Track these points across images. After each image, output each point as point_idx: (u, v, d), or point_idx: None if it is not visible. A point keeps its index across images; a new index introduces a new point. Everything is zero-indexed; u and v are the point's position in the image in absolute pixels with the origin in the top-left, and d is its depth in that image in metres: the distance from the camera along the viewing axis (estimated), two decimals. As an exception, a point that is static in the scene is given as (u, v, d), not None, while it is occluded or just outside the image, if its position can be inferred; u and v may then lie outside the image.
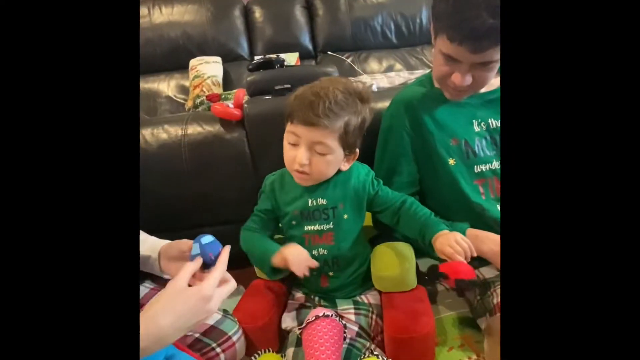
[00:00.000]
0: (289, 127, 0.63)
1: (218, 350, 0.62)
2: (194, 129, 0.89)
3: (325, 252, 0.68)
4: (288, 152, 0.63)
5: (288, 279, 0.76)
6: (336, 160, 0.64)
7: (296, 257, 0.61)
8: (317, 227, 0.67)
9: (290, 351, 0.63)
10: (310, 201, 0.67)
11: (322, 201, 0.67)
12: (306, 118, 0.59)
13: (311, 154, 0.61)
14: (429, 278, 0.62)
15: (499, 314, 0.61)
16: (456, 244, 0.57)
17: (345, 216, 0.67)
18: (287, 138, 0.63)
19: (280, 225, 0.73)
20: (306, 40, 1.54)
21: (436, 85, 0.74)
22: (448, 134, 0.71)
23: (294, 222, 0.68)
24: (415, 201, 0.68)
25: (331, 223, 0.67)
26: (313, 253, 0.68)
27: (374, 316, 0.68)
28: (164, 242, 0.68)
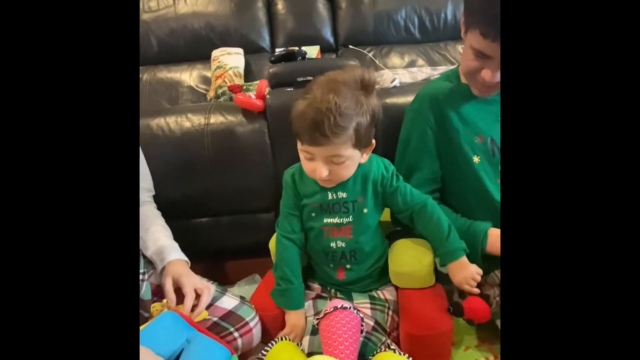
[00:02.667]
0: (300, 146, 0.62)
1: (236, 334, 0.63)
2: (216, 119, 0.90)
3: (343, 244, 0.68)
4: (307, 164, 0.63)
5: (304, 269, 0.77)
6: (354, 162, 0.64)
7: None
8: (336, 220, 0.67)
9: (306, 339, 0.63)
10: (330, 194, 0.67)
11: (342, 194, 0.67)
12: (314, 140, 0.58)
13: (329, 165, 0.61)
14: (452, 314, 0.63)
15: None
16: (472, 280, 0.61)
17: (365, 210, 0.67)
18: (302, 154, 0.63)
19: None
20: (328, 34, 1.52)
21: (463, 80, 0.72)
22: (474, 131, 0.70)
23: (313, 214, 0.69)
24: (435, 206, 0.68)
25: (350, 216, 0.67)
26: (331, 245, 0.68)
27: (390, 312, 0.68)
28: (175, 254, 0.66)
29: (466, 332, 0.73)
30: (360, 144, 0.61)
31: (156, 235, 0.69)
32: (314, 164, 0.61)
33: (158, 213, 0.76)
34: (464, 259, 0.64)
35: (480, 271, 0.63)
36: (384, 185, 0.67)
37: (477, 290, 0.63)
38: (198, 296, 0.62)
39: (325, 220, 0.68)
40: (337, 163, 0.61)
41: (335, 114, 0.56)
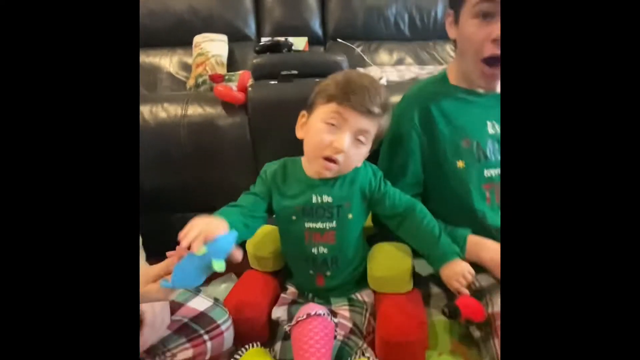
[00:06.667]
0: (333, 107, 0.58)
1: (206, 337, 0.60)
2: (194, 110, 0.86)
3: (325, 250, 0.66)
4: (325, 136, 0.58)
5: (282, 272, 0.75)
6: (364, 155, 0.62)
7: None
8: (319, 225, 0.64)
9: (278, 345, 0.62)
10: (314, 197, 0.64)
11: (327, 199, 0.64)
12: (363, 103, 0.57)
13: (351, 142, 0.58)
14: (448, 317, 0.61)
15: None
16: (463, 278, 0.58)
17: (350, 216, 0.65)
18: (326, 117, 0.58)
19: (267, 213, 0.67)
20: (316, 25, 1.49)
21: (452, 81, 0.71)
22: (460, 135, 0.69)
23: (294, 217, 0.65)
24: (424, 210, 0.66)
25: (334, 222, 0.64)
26: (312, 251, 0.66)
27: (367, 314, 0.67)
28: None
29: (440, 337, 0.73)
30: (376, 140, 0.63)
31: None
32: (337, 135, 0.57)
33: None
34: (456, 261, 0.62)
35: (472, 271, 0.60)
36: (372, 191, 0.65)
37: (465, 291, 0.60)
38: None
39: (306, 225, 0.65)
40: (360, 142, 0.60)
41: (381, 91, 0.59)
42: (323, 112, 0.59)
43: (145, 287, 0.48)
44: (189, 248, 0.46)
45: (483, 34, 0.62)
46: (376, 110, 0.58)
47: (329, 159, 0.59)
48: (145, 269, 0.49)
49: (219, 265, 0.46)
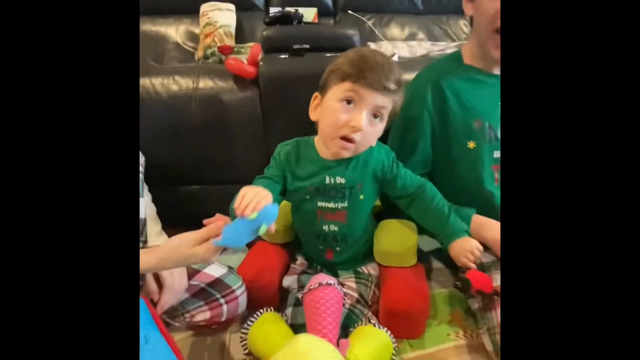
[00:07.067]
0: (347, 85, 0.58)
1: (222, 301, 0.65)
2: (205, 83, 0.85)
3: (336, 228, 0.68)
4: (342, 114, 0.58)
5: (291, 244, 0.78)
6: (379, 133, 0.63)
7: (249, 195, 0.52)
8: (331, 205, 0.67)
9: (289, 310, 0.66)
10: (328, 178, 0.66)
11: (340, 180, 0.65)
12: (380, 80, 0.57)
13: (368, 119, 0.59)
14: (460, 289, 0.64)
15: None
16: (472, 254, 0.60)
17: (362, 197, 0.67)
18: (342, 94, 0.58)
19: (282, 196, 0.71)
20: (326, -5, 1.44)
21: (466, 61, 0.71)
22: (472, 116, 0.70)
23: (307, 197, 0.67)
24: (434, 189, 0.68)
25: (346, 202, 0.66)
26: (323, 228, 0.68)
27: (372, 286, 0.70)
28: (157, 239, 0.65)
29: (440, 308, 0.77)
30: (390, 118, 0.62)
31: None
32: (354, 114, 0.58)
33: (145, 188, 0.73)
34: (465, 238, 0.63)
35: (481, 247, 0.61)
36: (384, 172, 0.67)
37: (473, 265, 0.62)
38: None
39: (319, 204, 0.67)
40: (378, 118, 0.60)
41: (395, 69, 0.59)
42: (338, 91, 0.59)
43: (191, 249, 0.52)
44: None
45: (497, 5, 0.61)
46: (392, 86, 0.58)
47: (345, 139, 0.59)
48: (186, 235, 0.53)
49: (264, 230, 0.52)
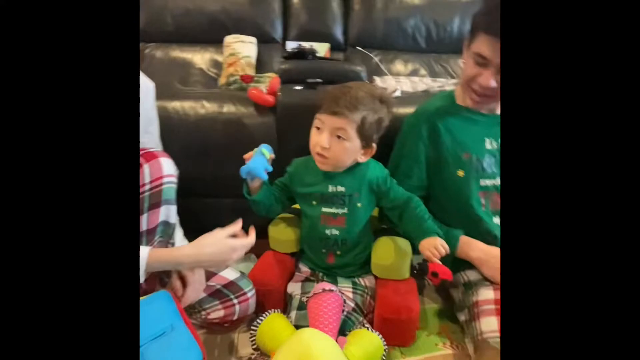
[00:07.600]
0: (317, 115, 0.74)
1: (235, 301, 0.73)
2: (229, 108, 0.97)
3: (337, 233, 0.79)
4: (314, 137, 0.75)
5: (297, 254, 0.87)
6: (353, 148, 0.74)
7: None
8: (333, 210, 0.78)
9: (293, 313, 0.74)
10: (330, 187, 0.78)
11: (340, 188, 0.77)
12: (330, 108, 0.71)
13: (332, 139, 0.72)
14: (417, 272, 0.74)
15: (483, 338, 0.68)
16: (435, 249, 0.69)
17: (359, 204, 0.78)
18: (315, 124, 0.75)
19: (289, 201, 0.84)
20: (338, 32, 1.58)
21: (458, 101, 0.82)
22: (462, 148, 0.80)
23: (314, 202, 0.79)
24: (420, 202, 0.78)
25: (345, 208, 0.78)
26: (326, 232, 0.79)
27: (368, 297, 0.78)
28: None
29: (430, 321, 0.84)
30: (362, 134, 0.73)
31: None
32: (319, 136, 0.73)
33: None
34: (433, 237, 0.70)
35: (447, 246, 0.69)
36: (378, 185, 0.78)
37: (436, 260, 0.68)
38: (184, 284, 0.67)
39: (323, 210, 0.78)
40: (340, 138, 0.72)
41: (353, 96, 0.72)
42: (315, 119, 0.75)
43: (230, 240, 0.65)
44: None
45: (474, 72, 0.74)
46: (342, 110, 0.71)
47: (319, 155, 0.74)
48: (220, 230, 0.66)
49: (266, 153, 0.76)
